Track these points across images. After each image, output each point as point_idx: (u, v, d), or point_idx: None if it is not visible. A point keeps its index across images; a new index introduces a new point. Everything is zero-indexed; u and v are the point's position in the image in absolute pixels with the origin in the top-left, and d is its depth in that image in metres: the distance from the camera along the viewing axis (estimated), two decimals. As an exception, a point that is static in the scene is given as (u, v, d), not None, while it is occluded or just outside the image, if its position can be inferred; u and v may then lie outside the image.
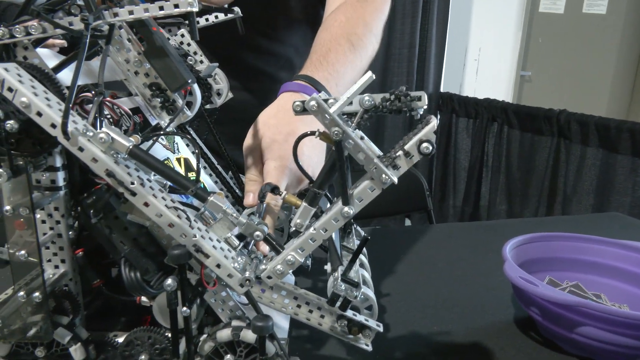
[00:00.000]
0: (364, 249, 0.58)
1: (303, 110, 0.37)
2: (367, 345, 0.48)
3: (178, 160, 0.61)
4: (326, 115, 0.36)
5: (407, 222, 2.60)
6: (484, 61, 2.93)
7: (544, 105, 2.12)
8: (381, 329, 0.48)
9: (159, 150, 0.57)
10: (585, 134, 1.93)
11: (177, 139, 0.62)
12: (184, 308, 0.42)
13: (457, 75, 2.92)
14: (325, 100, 0.37)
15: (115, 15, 0.40)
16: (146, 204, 0.39)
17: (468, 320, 0.66)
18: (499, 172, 2.31)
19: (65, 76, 0.44)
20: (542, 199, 2.13)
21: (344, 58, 0.66)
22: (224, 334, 0.45)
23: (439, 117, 2.72)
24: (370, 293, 0.51)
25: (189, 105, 0.47)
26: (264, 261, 0.43)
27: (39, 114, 0.37)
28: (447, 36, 2.69)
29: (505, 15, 2.90)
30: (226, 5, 0.67)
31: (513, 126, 2.24)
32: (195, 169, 0.63)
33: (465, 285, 0.77)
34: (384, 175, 0.38)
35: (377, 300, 0.51)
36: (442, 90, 2.72)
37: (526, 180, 2.21)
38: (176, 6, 0.40)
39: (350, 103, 0.38)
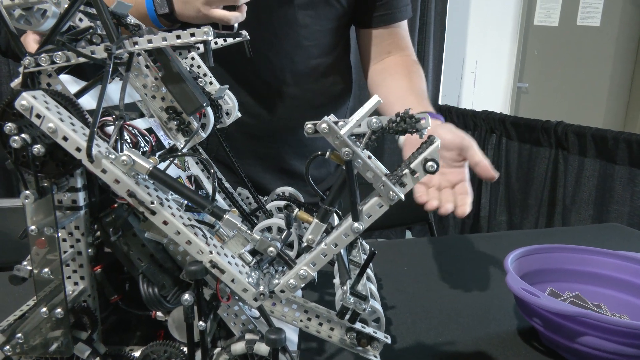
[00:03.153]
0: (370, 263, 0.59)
1: (315, 132, 0.39)
2: (376, 356, 0.50)
3: (189, 178, 0.63)
4: (337, 137, 0.39)
5: (408, 234, 2.62)
6: (481, 73, 2.98)
7: (542, 117, 2.14)
8: (389, 341, 0.50)
9: (171, 169, 0.59)
10: (583, 145, 1.96)
11: (187, 157, 0.64)
12: (200, 322, 0.44)
13: (455, 88, 2.96)
14: (336, 123, 0.39)
15: (135, 44, 0.42)
16: (165, 222, 0.41)
17: (472, 330, 0.68)
18: (499, 184, 2.34)
19: (85, 101, 0.47)
20: (541, 210, 2.15)
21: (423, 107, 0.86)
22: (239, 347, 0.46)
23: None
24: (378, 306, 0.52)
25: (203, 126, 0.49)
26: (277, 276, 0.45)
27: (65, 139, 0.39)
28: (445, 49, 2.73)
29: (501, 28, 2.95)
30: (236, 25, 0.71)
31: (511, 138, 2.27)
32: (204, 186, 0.65)
33: (469, 296, 0.79)
34: (391, 192, 0.40)
35: (383, 313, 0.52)
36: (440, 102, 2.76)
37: (525, 191, 2.23)
38: (192, 35, 0.42)
39: (359, 125, 0.40)
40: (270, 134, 0.96)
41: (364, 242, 0.66)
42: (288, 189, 0.68)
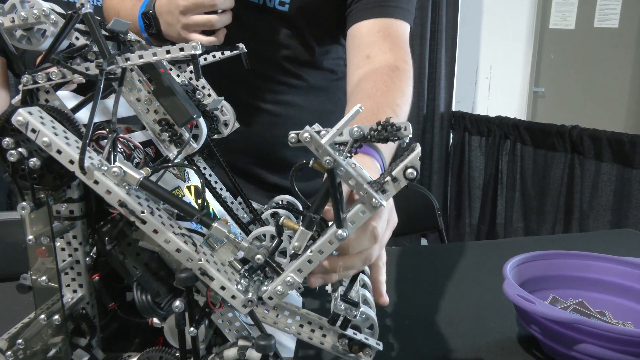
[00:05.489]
0: (366, 269, 0.60)
1: (297, 141, 0.40)
2: (368, 363, 0.50)
3: (188, 188, 0.65)
4: (318, 145, 0.39)
5: (424, 242, 2.60)
6: (495, 78, 2.95)
7: (560, 121, 2.11)
8: (381, 348, 0.50)
9: (170, 180, 0.60)
10: (599, 149, 1.92)
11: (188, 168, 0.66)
12: (191, 328, 0.45)
13: (469, 94, 2.95)
14: (318, 132, 0.40)
15: (127, 59, 0.44)
16: (155, 231, 0.43)
17: (472, 338, 0.67)
18: (514, 190, 2.30)
19: (83, 115, 0.49)
20: (558, 216, 2.11)
21: None
22: (231, 353, 0.47)
23: (452, 135, 2.74)
24: (371, 312, 0.53)
25: (196, 138, 0.50)
26: (265, 283, 0.46)
27: (59, 152, 0.41)
28: (457, 55, 2.72)
29: (515, 32, 2.93)
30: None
31: (526, 143, 2.24)
32: (204, 196, 0.66)
33: (471, 303, 0.78)
34: (373, 200, 0.40)
35: (382, 320, 0.52)
36: (454, 109, 2.75)
37: (542, 197, 2.19)
38: (181, 50, 0.44)
39: (341, 134, 0.41)
40: (249, 149, 0.95)
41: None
42: (286, 197, 0.69)
